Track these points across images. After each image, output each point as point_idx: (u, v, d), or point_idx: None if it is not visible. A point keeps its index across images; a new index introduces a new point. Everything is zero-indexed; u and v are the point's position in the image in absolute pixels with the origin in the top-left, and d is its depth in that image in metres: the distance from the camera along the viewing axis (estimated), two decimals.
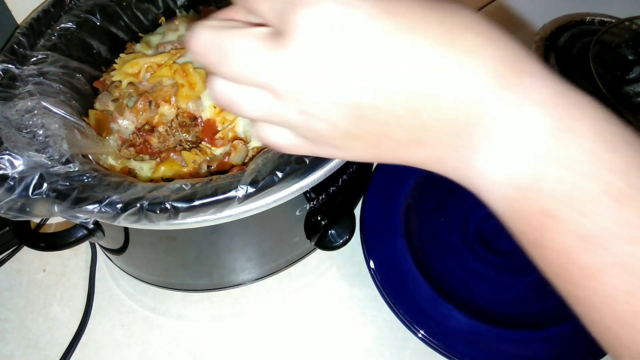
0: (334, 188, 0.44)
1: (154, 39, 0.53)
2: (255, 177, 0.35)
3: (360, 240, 0.54)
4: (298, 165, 0.36)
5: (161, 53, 0.50)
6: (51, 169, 0.36)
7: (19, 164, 0.36)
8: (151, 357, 0.50)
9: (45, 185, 0.35)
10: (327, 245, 0.50)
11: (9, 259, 0.56)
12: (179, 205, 0.34)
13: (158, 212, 0.34)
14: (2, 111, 0.40)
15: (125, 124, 0.47)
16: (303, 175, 0.38)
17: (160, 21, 0.55)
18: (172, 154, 0.46)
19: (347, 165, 0.41)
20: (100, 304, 0.53)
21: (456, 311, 0.49)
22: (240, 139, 0.47)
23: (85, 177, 0.37)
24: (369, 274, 0.52)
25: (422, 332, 0.48)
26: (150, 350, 0.50)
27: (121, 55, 0.51)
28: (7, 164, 0.36)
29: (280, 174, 0.36)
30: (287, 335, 0.51)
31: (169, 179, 0.43)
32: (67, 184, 0.36)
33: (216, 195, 0.35)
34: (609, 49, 0.74)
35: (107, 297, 0.54)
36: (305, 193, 0.40)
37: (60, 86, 0.44)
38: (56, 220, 0.57)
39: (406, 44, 0.20)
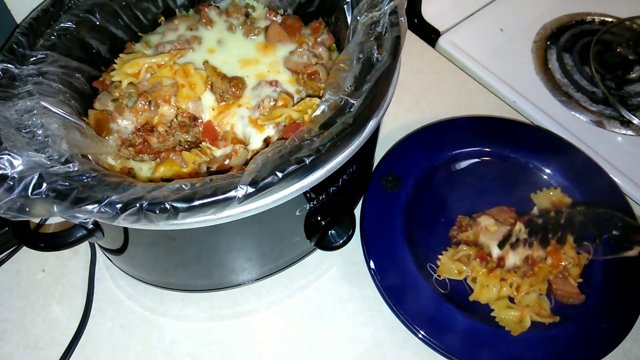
0: (334, 188, 0.44)
1: (154, 38, 0.53)
2: (255, 177, 0.35)
3: (360, 240, 0.54)
4: (298, 165, 0.36)
5: (161, 53, 0.50)
6: (50, 169, 0.36)
7: (19, 163, 0.36)
8: (151, 357, 0.50)
9: (44, 185, 0.35)
10: (327, 245, 0.50)
11: (8, 259, 0.56)
12: (178, 205, 0.34)
13: (158, 212, 0.34)
14: (2, 111, 0.39)
15: (125, 124, 0.47)
16: (303, 175, 0.37)
17: (159, 21, 0.55)
18: (171, 155, 0.46)
19: (347, 165, 0.41)
20: (100, 305, 0.53)
21: (456, 311, 0.49)
22: (240, 140, 0.47)
23: (84, 177, 0.37)
24: (369, 274, 0.52)
25: (422, 332, 0.48)
26: (150, 351, 0.50)
27: (121, 55, 0.51)
28: (7, 164, 0.36)
29: (280, 174, 0.35)
30: (287, 336, 0.51)
31: (168, 180, 0.43)
32: (67, 184, 0.36)
33: (216, 195, 0.35)
34: (609, 49, 0.74)
35: (107, 298, 0.54)
36: (305, 193, 0.40)
37: (60, 86, 0.44)
38: (56, 220, 0.57)
39: None
